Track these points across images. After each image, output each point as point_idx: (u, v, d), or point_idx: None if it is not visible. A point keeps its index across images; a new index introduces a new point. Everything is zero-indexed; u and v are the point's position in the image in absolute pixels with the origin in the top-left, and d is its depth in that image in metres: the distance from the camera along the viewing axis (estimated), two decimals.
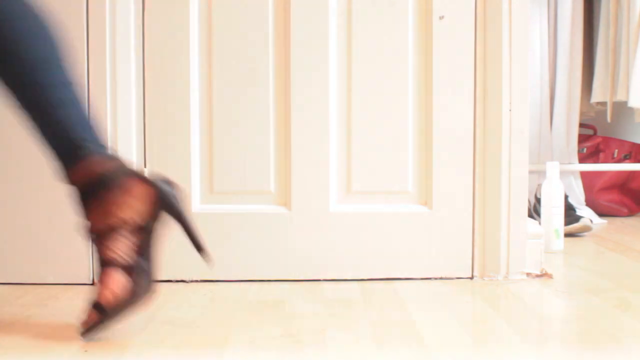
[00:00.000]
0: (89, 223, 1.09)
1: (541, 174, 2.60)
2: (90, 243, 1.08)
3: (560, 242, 1.96)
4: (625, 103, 2.65)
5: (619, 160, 2.83)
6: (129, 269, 1.08)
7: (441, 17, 1.52)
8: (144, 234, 1.09)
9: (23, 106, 1.08)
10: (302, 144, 1.53)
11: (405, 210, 1.54)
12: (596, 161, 2.86)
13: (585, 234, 2.27)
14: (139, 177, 1.10)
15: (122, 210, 1.08)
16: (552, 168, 1.98)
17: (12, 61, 1.05)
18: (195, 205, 1.54)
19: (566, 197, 2.30)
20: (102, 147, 1.10)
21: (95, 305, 1.08)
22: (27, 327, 1.18)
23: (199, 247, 1.11)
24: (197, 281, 1.54)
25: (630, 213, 2.81)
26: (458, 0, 1.52)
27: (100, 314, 1.08)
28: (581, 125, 2.83)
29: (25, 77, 1.06)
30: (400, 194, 1.54)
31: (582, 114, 2.83)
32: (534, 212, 2.38)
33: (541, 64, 2.70)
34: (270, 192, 1.54)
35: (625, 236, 2.24)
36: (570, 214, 2.25)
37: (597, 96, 2.70)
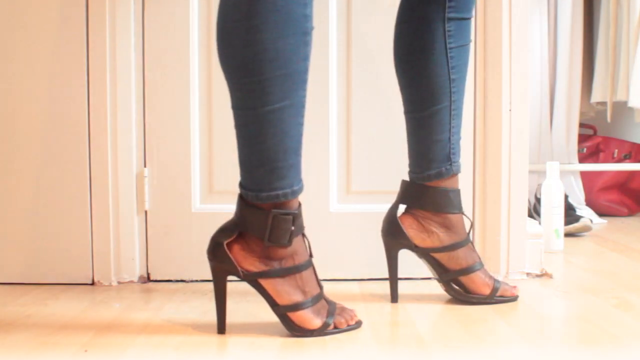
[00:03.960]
0: None
1: (541, 174, 2.60)
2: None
3: (560, 242, 1.95)
4: (625, 103, 2.65)
5: (619, 160, 2.83)
6: None
7: None
8: None
9: None
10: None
11: None
12: (596, 161, 2.85)
13: (585, 234, 2.27)
14: None
15: None
16: (552, 168, 1.98)
17: None
18: (195, 204, 1.54)
19: (566, 197, 2.29)
20: None
21: None
22: (27, 327, 1.18)
23: None
24: (197, 281, 1.54)
25: (630, 213, 2.81)
26: None
27: None
28: (581, 125, 2.83)
29: None
30: None
31: (582, 114, 2.82)
32: (534, 212, 2.38)
33: (541, 64, 2.70)
34: None
35: (625, 236, 2.24)
36: (570, 214, 2.25)
37: (597, 96, 2.70)
